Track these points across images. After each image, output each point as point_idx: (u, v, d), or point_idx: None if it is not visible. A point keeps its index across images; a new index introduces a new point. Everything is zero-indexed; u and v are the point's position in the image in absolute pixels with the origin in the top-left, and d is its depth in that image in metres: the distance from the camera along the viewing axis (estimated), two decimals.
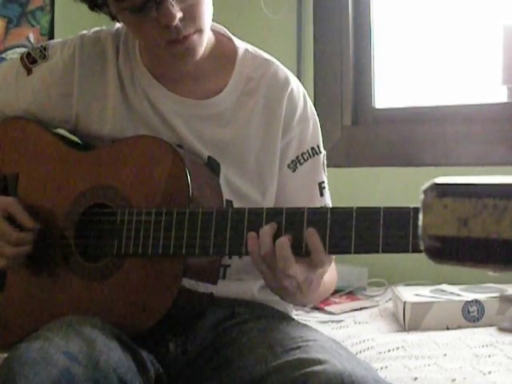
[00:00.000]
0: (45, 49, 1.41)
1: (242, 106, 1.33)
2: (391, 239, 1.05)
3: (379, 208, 1.06)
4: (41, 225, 1.30)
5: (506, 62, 2.25)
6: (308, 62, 2.51)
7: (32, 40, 2.83)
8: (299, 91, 1.37)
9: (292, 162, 1.34)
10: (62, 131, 1.43)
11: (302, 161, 1.34)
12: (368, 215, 1.06)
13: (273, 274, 1.11)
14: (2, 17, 2.86)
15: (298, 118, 1.34)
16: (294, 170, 1.34)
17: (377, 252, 1.06)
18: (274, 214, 1.12)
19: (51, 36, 2.81)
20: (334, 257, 1.27)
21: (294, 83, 1.37)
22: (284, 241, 1.08)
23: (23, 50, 2.80)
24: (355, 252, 1.07)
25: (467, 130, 2.25)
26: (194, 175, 1.20)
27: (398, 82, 2.54)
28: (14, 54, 2.80)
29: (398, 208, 1.05)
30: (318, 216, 1.09)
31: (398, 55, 2.53)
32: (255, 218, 1.12)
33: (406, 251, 1.04)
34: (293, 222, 1.10)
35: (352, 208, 1.08)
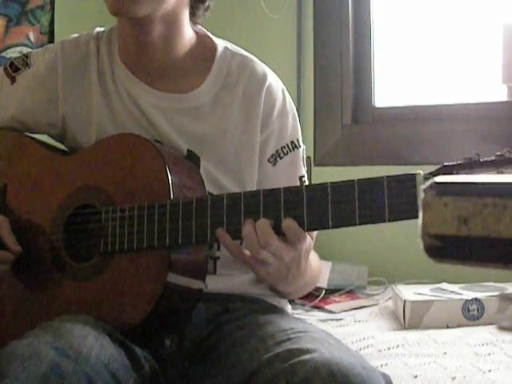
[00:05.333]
0: (27, 57, 1.44)
1: (220, 101, 1.35)
2: (367, 211, 1.05)
3: (353, 181, 1.07)
4: (29, 232, 1.32)
5: (506, 60, 2.25)
6: (308, 61, 2.51)
7: (32, 39, 2.83)
8: (277, 86, 1.39)
9: (272, 155, 1.36)
10: (47, 139, 1.44)
11: (282, 155, 1.36)
12: (342, 189, 1.07)
13: (258, 261, 1.13)
14: (2, 15, 2.86)
15: (277, 112, 1.36)
16: (274, 164, 1.36)
17: (354, 225, 1.07)
18: (251, 197, 1.13)
19: (51, 35, 2.81)
20: (315, 233, 1.30)
21: (272, 78, 1.39)
22: (263, 220, 1.10)
23: (23, 48, 2.81)
24: (333, 227, 1.08)
25: (467, 129, 2.25)
26: (174, 169, 1.22)
27: (398, 81, 2.54)
28: (14, 53, 2.80)
29: (372, 179, 1.06)
30: (293, 195, 1.10)
31: (398, 54, 2.53)
32: (234, 202, 1.14)
33: (383, 221, 1.05)
34: (270, 202, 1.11)
35: (326, 184, 1.08)
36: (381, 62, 2.52)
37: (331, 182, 1.08)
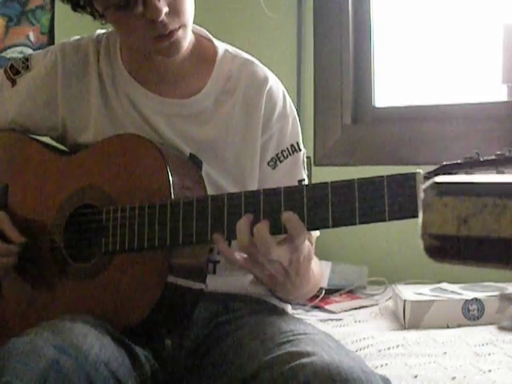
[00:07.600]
0: (27, 59, 1.45)
1: (222, 105, 1.35)
2: (367, 210, 1.06)
3: (353, 180, 1.07)
4: (31, 232, 1.32)
5: (506, 60, 2.25)
6: (308, 61, 2.51)
7: (32, 39, 2.83)
8: (278, 89, 1.39)
9: (272, 159, 1.35)
10: (48, 140, 1.45)
11: (282, 158, 1.36)
12: (342, 188, 1.08)
13: (255, 264, 1.12)
14: (2, 15, 2.86)
15: (278, 115, 1.36)
16: (273, 168, 1.35)
17: (354, 224, 1.07)
18: (251, 196, 1.13)
19: (51, 35, 2.81)
20: (315, 236, 1.29)
21: (273, 81, 1.38)
22: (261, 226, 1.09)
23: (23, 48, 2.81)
24: (333, 226, 1.08)
25: (467, 129, 2.25)
26: (175, 169, 1.22)
27: (397, 81, 2.54)
28: (14, 53, 2.80)
29: (372, 178, 1.06)
30: (294, 194, 1.10)
31: (398, 54, 2.53)
32: (234, 202, 1.14)
33: (383, 220, 1.05)
34: (270, 202, 1.11)
35: (327, 183, 1.09)
36: (381, 61, 2.52)
37: (331, 182, 1.08)
